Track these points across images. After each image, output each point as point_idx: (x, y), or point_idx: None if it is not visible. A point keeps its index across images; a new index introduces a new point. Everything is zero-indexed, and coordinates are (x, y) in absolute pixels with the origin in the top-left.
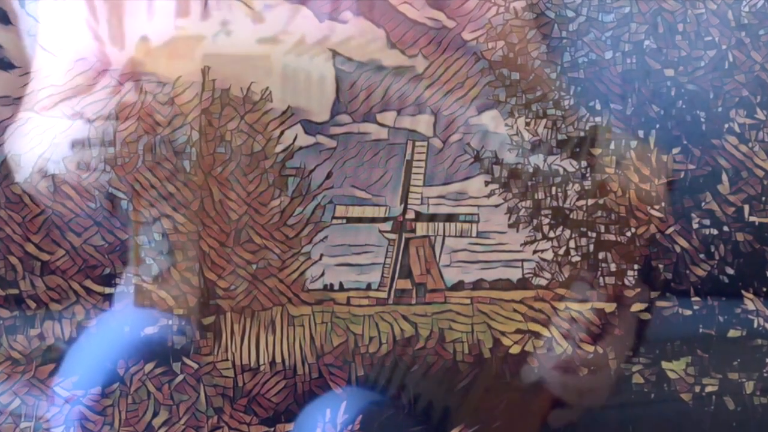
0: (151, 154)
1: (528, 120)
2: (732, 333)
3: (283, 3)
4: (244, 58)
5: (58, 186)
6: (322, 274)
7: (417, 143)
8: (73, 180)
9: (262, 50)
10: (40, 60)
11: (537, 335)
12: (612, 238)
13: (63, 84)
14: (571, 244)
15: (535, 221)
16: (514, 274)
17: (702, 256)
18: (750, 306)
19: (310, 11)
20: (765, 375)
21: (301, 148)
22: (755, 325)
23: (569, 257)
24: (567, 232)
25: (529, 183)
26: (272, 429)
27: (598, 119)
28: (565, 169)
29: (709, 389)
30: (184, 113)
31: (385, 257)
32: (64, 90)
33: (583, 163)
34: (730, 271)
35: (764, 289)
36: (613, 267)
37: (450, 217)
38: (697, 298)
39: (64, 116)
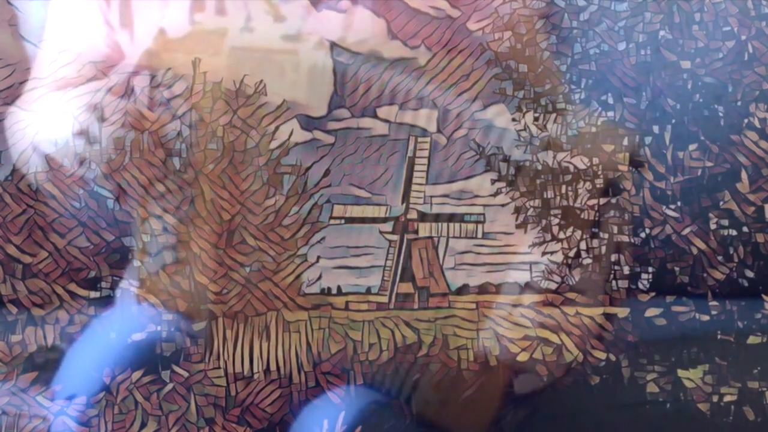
0: (139, 151)
1: (536, 115)
2: (752, 339)
3: None
4: (236, 53)
5: (41, 184)
6: (319, 278)
7: (419, 139)
8: (56, 178)
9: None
10: (23, 52)
11: (546, 342)
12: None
13: (47, 77)
14: (582, 245)
15: (544, 221)
16: (522, 278)
17: (720, 258)
18: None
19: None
20: None
21: (297, 144)
22: None
23: (580, 259)
24: (578, 233)
25: (538, 181)
26: None
27: (610, 114)
28: (575, 167)
29: (727, 399)
30: (174, 107)
31: (386, 259)
32: (47, 83)
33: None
34: (749, 273)
35: None
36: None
37: (454, 217)
38: (715, 303)
39: (49, 110)
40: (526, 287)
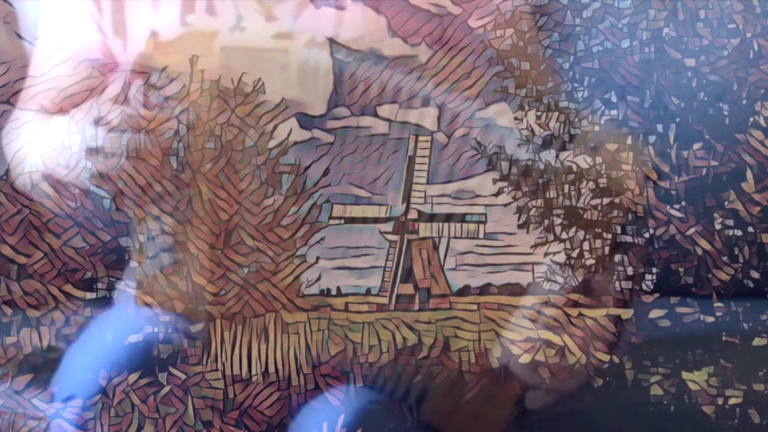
0: (136, 150)
1: (539, 113)
2: (757, 341)
3: None
4: (231, 49)
5: (36, 184)
6: (319, 279)
7: (420, 138)
8: (52, 177)
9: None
10: (18, 49)
11: (548, 343)
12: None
13: (42, 75)
14: (585, 246)
15: (546, 221)
16: (524, 278)
17: (725, 258)
18: None
19: None
20: None
21: (296, 143)
22: None
23: (583, 260)
24: (581, 233)
25: (540, 180)
26: None
27: (613, 112)
28: (578, 166)
29: (732, 401)
30: (171, 106)
31: (386, 260)
32: (43, 81)
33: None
34: (755, 274)
35: None
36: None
37: (456, 218)
38: (719, 304)
39: (44, 110)
40: (528, 288)
